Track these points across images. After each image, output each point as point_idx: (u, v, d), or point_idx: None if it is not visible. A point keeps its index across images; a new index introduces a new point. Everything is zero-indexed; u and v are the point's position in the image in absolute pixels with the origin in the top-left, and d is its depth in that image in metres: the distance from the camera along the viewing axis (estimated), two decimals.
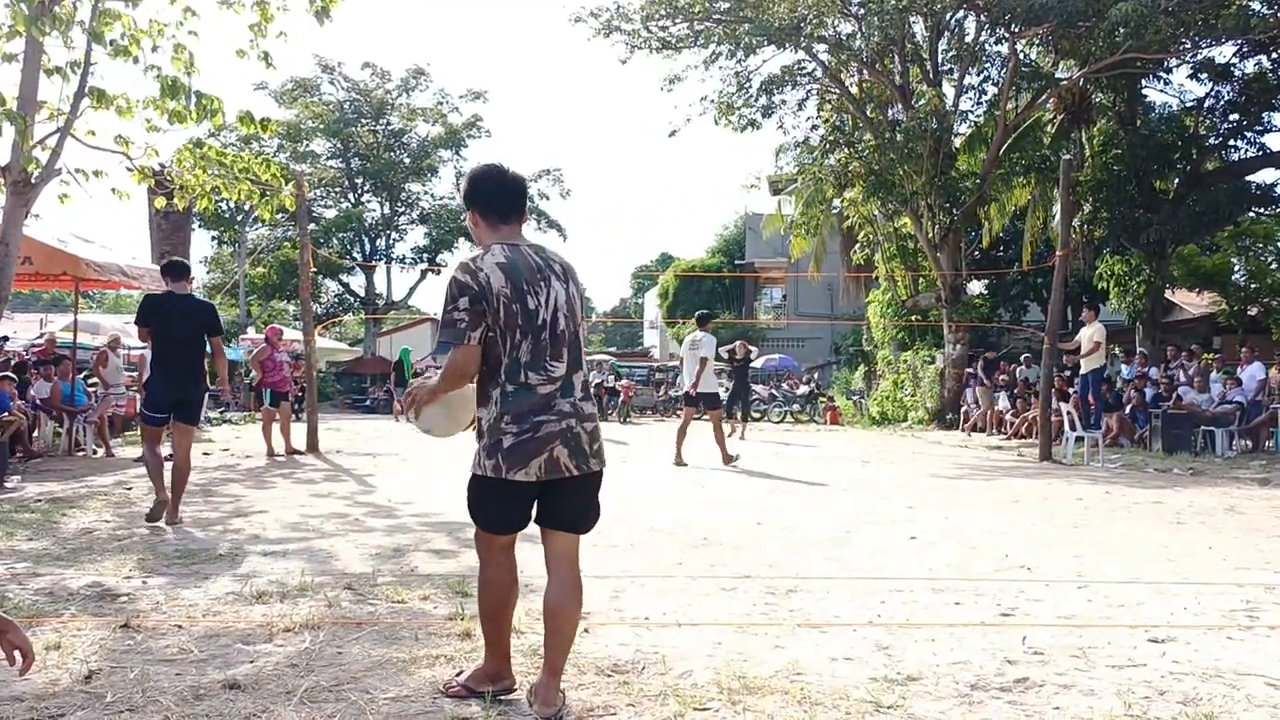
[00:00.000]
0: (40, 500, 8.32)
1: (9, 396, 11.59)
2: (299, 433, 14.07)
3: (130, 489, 9.24)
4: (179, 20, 9.39)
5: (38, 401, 13.06)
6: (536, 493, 3.30)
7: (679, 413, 14.17)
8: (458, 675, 3.55)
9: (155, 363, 7.50)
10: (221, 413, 23.64)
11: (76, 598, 4.79)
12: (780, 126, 23.32)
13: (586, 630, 4.27)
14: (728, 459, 12.34)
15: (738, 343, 19.35)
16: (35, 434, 12.83)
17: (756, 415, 26.65)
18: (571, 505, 3.37)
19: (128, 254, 16.13)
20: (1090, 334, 14.76)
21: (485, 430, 3.27)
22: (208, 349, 7.73)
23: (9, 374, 12.20)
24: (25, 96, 8.70)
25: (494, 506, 3.33)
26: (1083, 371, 15.08)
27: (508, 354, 3.24)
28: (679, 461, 12.38)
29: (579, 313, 3.45)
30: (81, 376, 15.10)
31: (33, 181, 8.98)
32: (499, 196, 3.42)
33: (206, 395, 7.77)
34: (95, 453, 12.91)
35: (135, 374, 16.74)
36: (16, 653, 2.57)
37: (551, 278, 3.35)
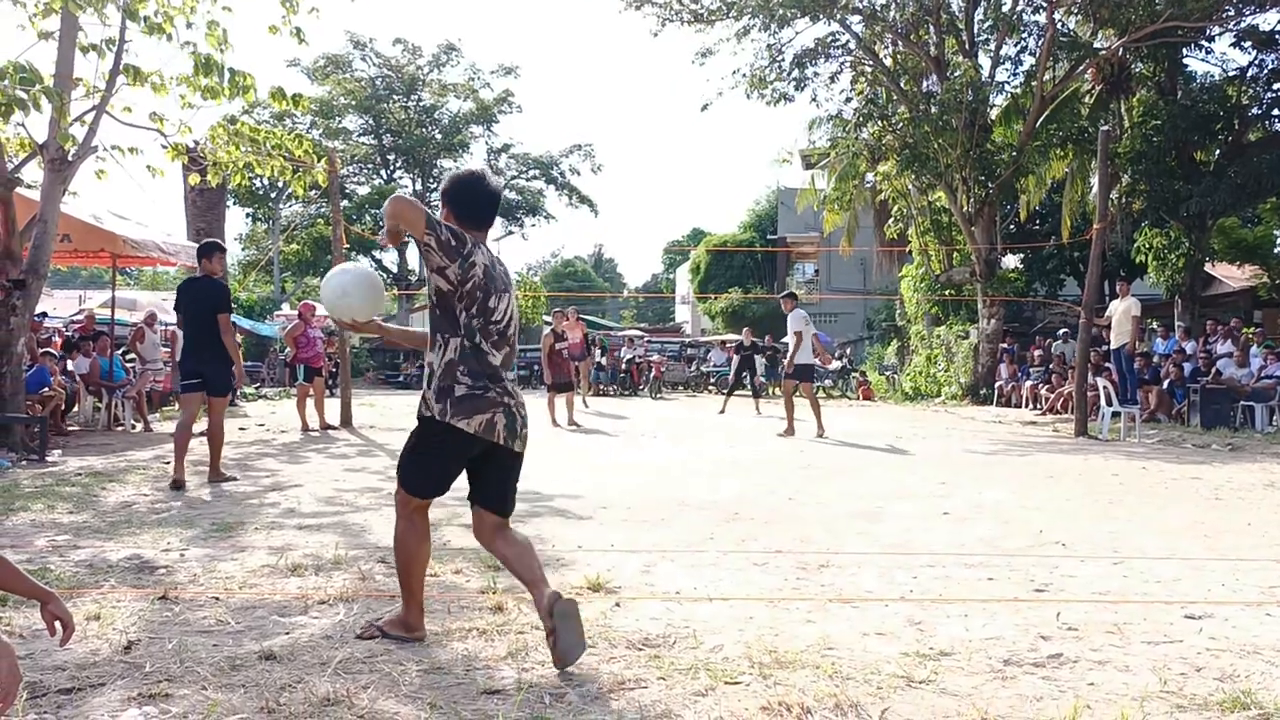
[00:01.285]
0: (80, 474, 8.46)
1: (49, 372, 11.77)
2: (333, 408, 14.20)
3: (168, 463, 9.36)
4: None
5: (78, 377, 13.27)
6: (468, 460, 3.62)
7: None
8: (376, 620, 3.87)
9: (184, 338, 8.50)
10: (257, 388, 23.90)
11: (116, 569, 4.87)
12: (813, 100, 23.43)
13: (618, 604, 4.29)
14: (821, 430, 13.14)
15: (745, 330, 20.62)
16: (75, 409, 13.03)
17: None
18: (499, 481, 3.72)
19: (164, 231, 16.28)
20: (1125, 307, 14.54)
21: (437, 373, 3.54)
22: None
23: (50, 350, 12.39)
24: (62, 74, 8.80)
25: (425, 462, 3.62)
26: (1111, 346, 14.88)
27: (467, 318, 3.54)
28: (821, 432, 13.17)
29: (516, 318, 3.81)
30: (120, 352, 15.30)
31: (70, 159, 9.08)
32: (477, 205, 3.72)
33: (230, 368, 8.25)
34: (134, 427, 13.11)
35: (170, 349, 16.94)
36: (58, 623, 2.61)
37: (505, 292, 3.67)
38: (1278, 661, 3.59)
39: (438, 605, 4.24)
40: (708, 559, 5.30)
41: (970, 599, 4.47)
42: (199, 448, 8.35)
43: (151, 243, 14.08)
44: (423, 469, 3.61)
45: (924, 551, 5.52)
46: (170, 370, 16.75)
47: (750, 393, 20.41)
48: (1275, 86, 20.70)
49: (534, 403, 21.28)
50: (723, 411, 18.14)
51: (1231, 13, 18.80)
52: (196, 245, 8.92)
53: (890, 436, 13.49)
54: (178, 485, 7.74)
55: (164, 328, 18.28)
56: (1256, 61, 20.94)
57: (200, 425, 8.80)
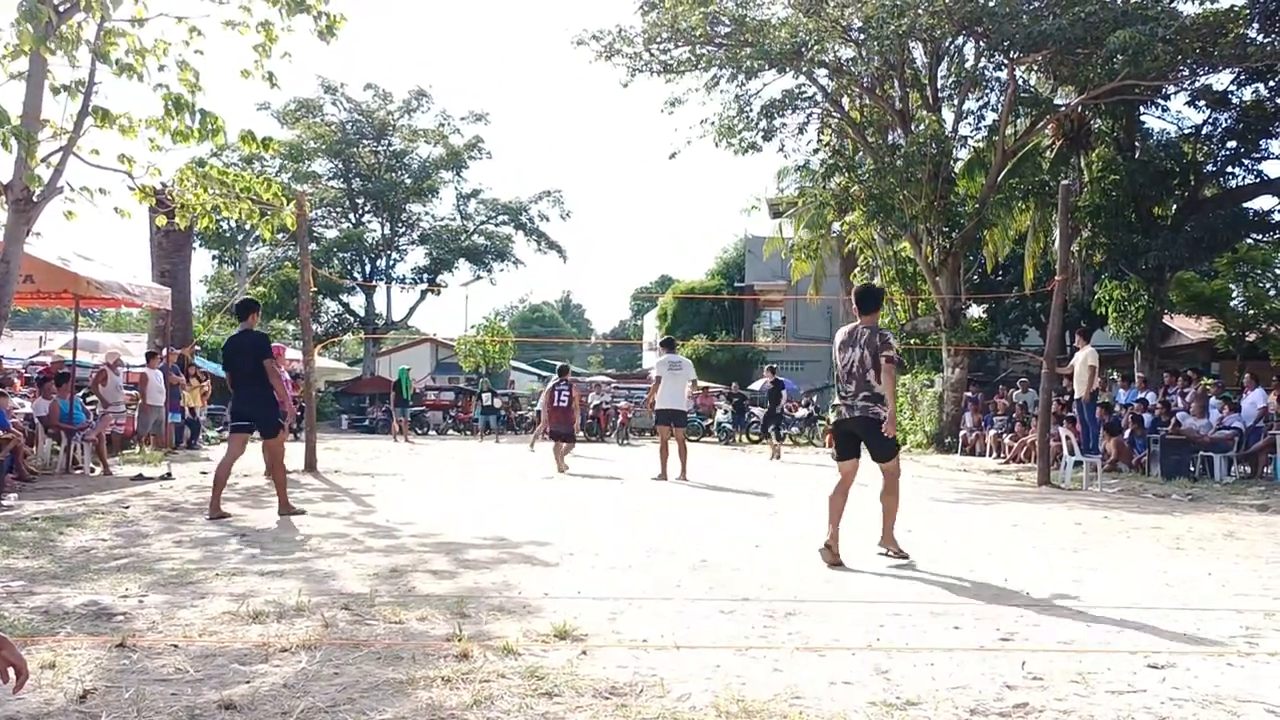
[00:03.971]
0: (38, 518, 8.30)
1: (6, 413, 11.57)
2: (297, 452, 14.04)
3: (128, 508, 9.22)
4: (185, 39, 9.45)
5: (36, 419, 13.05)
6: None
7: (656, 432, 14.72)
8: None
9: (233, 386, 9.18)
10: (220, 431, 23.59)
11: (72, 616, 4.77)
12: (781, 150, 23.47)
13: (584, 652, 4.26)
14: (684, 475, 13.43)
15: (768, 369, 20.99)
16: (34, 450, 12.80)
17: (755, 438, 26.67)
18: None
19: (129, 272, 16.17)
20: (1083, 357, 14.78)
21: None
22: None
23: (2, 390, 12.19)
24: (30, 114, 8.75)
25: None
26: (1077, 396, 15.10)
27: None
28: (683, 477, 13.39)
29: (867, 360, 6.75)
30: (80, 395, 15.08)
31: (34, 199, 9.01)
32: (860, 301, 7.03)
33: (273, 410, 9.18)
34: (93, 471, 12.89)
35: (135, 392, 16.75)
36: (11, 670, 2.56)
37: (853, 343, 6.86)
38: (1240, 712, 3.62)
39: (402, 653, 4.19)
40: (675, 606, 5.28)
41: (936, 648, 4.48)
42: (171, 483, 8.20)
43: (116, 284, 13.97)
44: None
45: (890, 600, 5.53)
46: (135, 412, 16.56)
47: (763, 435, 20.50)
48: (1229, 144, 21.26)
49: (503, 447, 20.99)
50: (776, 457, 19.04)
51: (1186, 73, 19.32)
52: (162, 287, 9.09)
53: (855, 485, 13.51)
54: (216, 517, 8.49)
55: (128, 370, 18.08)
56: (1211, 119, 21.53)
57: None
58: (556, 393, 15.33)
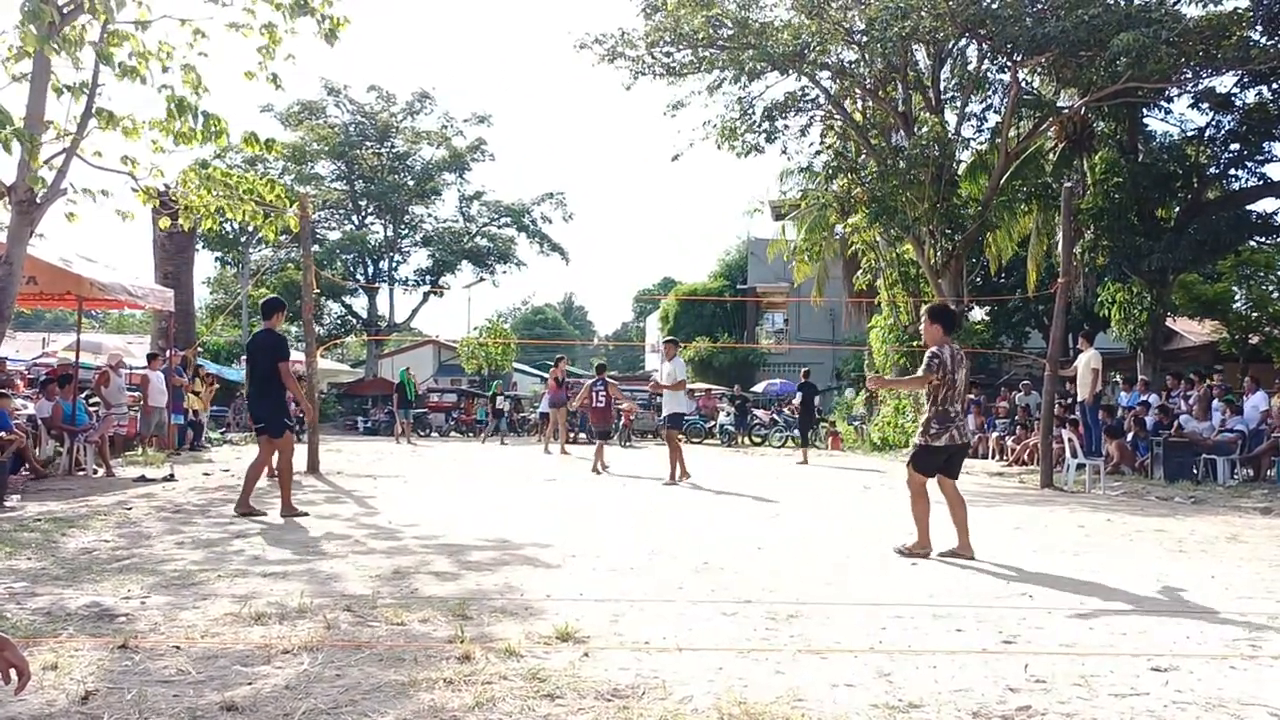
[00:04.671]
0: (40, 519, 8.30)
1: (9, 415, 11.58)
2: (300, 454, 14.04)
3: (131, 509, 9.23)
4: (188, 42, 9.45)
5: (39, 420, 13.06)
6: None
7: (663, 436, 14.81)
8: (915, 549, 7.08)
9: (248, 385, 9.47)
10: (222, 433, 23.62)
11: (75, 617, 4.77)
12: (784, 152, 23.48)
13: (587, 654, 4.25)
14: (679, 477, 13.51)
15: (803, 371, 20.81)
16: (36, 451, 12.81)
17: (758, 440, 26.66)
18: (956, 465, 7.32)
19: (132, 274, 16.19)
20: (1086, 360, 14.76)
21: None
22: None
23: (5, 392, 12.20)
24: (33, 115, 8.75)
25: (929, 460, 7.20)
26: (1079, 398, 15.08)
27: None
28: (673, 479, 13.47)
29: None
30: (83, 396, 15.09)
31: (38, 201, 9.01)
32: (949, 322, 7.30)
33: (281, 411, 9.33)
34: (96, 472, 12.90)
35: (138, 394, 16.76)
36: (12, 671, 2.55)
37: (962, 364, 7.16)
38: (1243, 715, 3.61)
39: (404, 655, 4.19)
40: (677, 608, 5.27)
41: (939, 650, 4.47)
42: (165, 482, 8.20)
43: (119, 285, 13.99)
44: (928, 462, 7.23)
45: (892, 602, 5.52)
46: (138, 413, 16.59)
47: (801, 440, 20.18)
48: (1232, 146, 21.22)
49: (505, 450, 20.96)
50: (803, 462, 18.69)
51: (1189, 75, 19.29)
52: (165, 289, 9.16)
53: (859, 487, 13.53)
54: (244, 512, 8.85)
55: (130, 371, 18.08)
56: (1214, 122, 21.50)
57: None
58: (594, 393, 15.35)
